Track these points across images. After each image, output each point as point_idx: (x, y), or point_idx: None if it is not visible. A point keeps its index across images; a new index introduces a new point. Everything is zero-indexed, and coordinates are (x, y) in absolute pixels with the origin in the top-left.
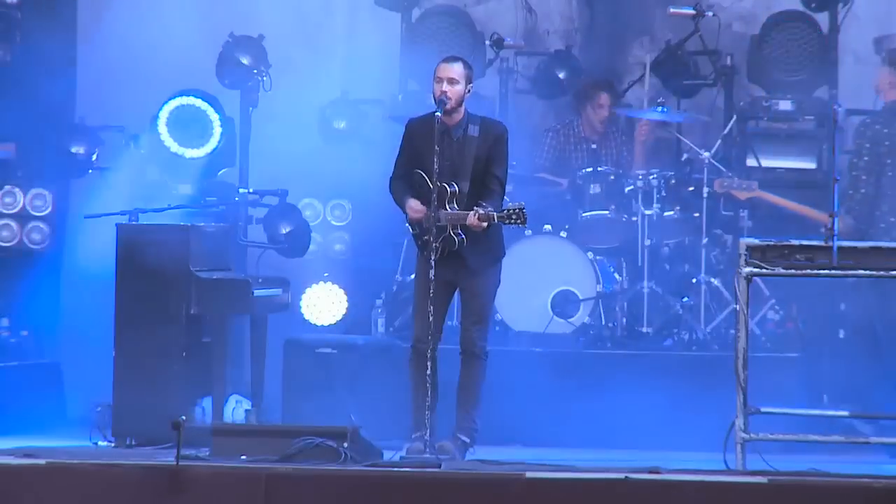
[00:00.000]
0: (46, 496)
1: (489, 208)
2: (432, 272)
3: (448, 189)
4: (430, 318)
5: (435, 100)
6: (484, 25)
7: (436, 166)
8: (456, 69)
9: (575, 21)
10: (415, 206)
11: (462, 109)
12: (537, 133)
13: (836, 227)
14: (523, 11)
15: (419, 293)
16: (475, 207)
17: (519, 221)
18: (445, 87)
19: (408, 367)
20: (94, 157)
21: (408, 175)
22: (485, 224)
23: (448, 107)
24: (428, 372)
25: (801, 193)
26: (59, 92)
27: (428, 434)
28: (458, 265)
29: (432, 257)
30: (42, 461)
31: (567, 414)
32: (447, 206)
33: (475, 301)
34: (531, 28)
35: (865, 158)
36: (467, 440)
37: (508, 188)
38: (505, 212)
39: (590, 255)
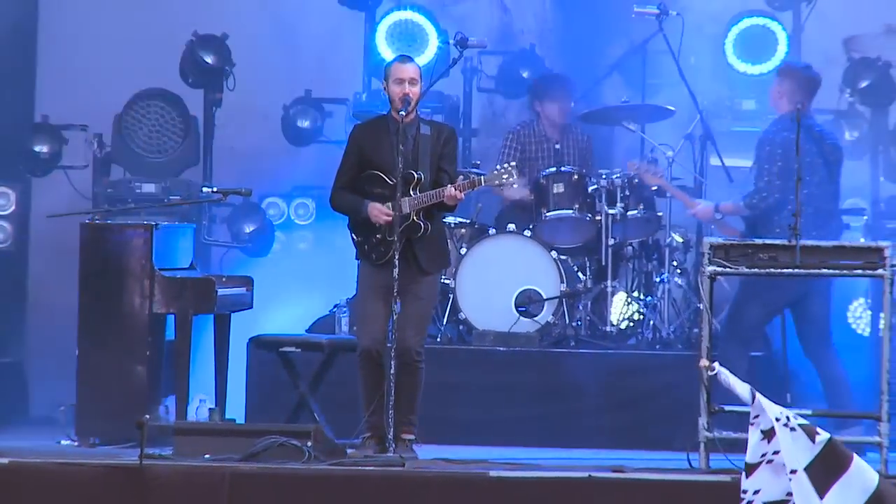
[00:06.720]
0: (9, 496)
1: (470, 177)
2: (389, 273)
3: (415, 175)
4: (381, 323)
5: (393, 100)
6: (460, 24)
7: (402, 162)
8: (413, 69)
9: (549, 21)
10: (381, 207)
11: (416, 109)
12: (501, 133)
13: (798, 225)
14: (498, 11)
15: (365, 299)
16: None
17: (510, 179)
18: (408, 87)
19: (359, 374)
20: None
21: (351, 183)
22: (462, 196)
23: (411, 107)
24: (392, 371)
25: None
26: (21, 90)
27: (391, 433)
28: (404, 267)
29: (385, 256)
30: (5, 461)
31: (531, 413)
32: (411, 193)
33: (420, 307)
34: (506, 27)
35: (779, 164)
36: (412, 437)
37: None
38: (494, 172)
39: (553, 254)
